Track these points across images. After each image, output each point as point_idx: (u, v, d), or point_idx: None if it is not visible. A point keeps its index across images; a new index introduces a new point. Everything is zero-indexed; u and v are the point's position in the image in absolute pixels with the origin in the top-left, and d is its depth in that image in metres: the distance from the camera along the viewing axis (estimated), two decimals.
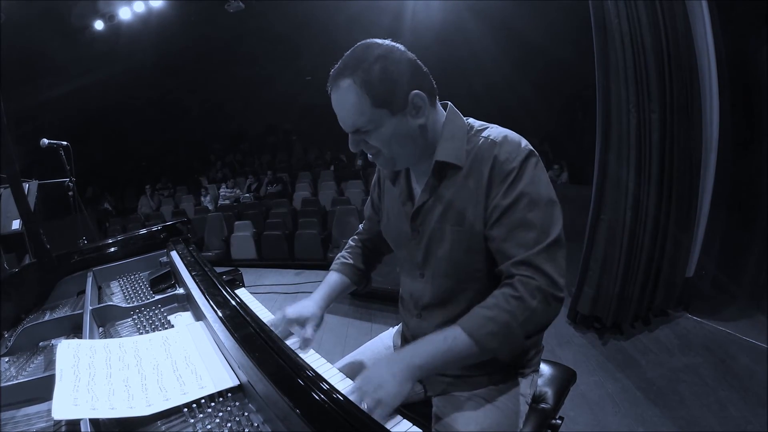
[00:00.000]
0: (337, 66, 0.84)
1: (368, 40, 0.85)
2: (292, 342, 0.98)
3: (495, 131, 0.89)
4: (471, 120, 0.94)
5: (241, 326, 0.89)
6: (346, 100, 0.82)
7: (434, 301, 0.96)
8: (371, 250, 1.21)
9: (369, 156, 0.91)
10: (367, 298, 3.26)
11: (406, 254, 1.01)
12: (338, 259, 1.19)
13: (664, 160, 2.32)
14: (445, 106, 0.93)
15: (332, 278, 1.13)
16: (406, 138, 0.86)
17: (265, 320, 1.03)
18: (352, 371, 1.06)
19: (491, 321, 0.78)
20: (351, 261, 1.17)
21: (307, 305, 1.04)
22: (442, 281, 0.94)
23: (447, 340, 0.79)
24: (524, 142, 0.86)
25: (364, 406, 0.72)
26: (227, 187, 7.39)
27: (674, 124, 2.30)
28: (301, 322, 1.01)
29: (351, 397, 0.75)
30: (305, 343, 0.97)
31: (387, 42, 0.85)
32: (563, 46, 5.38)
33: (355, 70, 0.81)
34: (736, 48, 2.52)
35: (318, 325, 1.03)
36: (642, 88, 2.25)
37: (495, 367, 0.94)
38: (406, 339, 1.09)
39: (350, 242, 1.24)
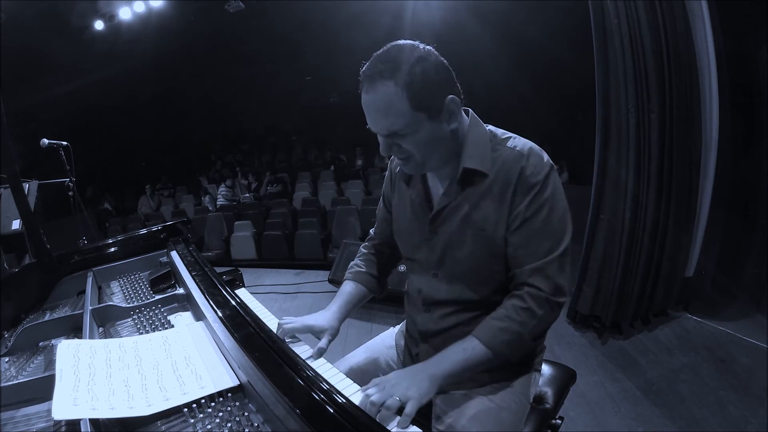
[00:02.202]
0: (370, 66, 0.81)
1: (400, 42, 0.83)
2: (303, 351, 0.97)
3: (520, 142, 0.91)
4: (490, 127, 0.96)
5: (241, 326, 0.89)
6: (384, 102, 0.80)
7: (447, 299, 0.97)
8: (385, 254, 1.19)
9: (397, 160, 0.92)
10: None
11: (419, 255, 1.01)
12: (351, 267, 1.17)
13: (664, 160, 2.32)
14: (466, 112, 0.94)
15: (347, 288, 1.13)
16: (439, 143, 0.87)
17: (273, 325, 1.02)
18: (352, 371, 1.06)
19: (504, 331, 0.85)
20: (365, 269, 1.16)
21: (325, 316, 1.05)
22: (460, 281, 0.95)
23: (466, 350, 0.85)
24: (545, 155, 0.89)
25: (396, 400, 0.74)
26: (225, 186, 7.39)
27: (674, 124, 2.30)
28: (317, 332, 1.01)
29: (372, 392, 0.76)
30: (318, 353, 0.96)
31: (419, 44, 0.83)
32: (563, 46, 5.37)
33: (395, 71, 0.78)
34: (736, 48, 2.51)
35: (334, 336, 1.03)
36: (641, 88, 2.25)
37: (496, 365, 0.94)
38: (411, 336, 1.08)
39: (362, 249, 1.22)
